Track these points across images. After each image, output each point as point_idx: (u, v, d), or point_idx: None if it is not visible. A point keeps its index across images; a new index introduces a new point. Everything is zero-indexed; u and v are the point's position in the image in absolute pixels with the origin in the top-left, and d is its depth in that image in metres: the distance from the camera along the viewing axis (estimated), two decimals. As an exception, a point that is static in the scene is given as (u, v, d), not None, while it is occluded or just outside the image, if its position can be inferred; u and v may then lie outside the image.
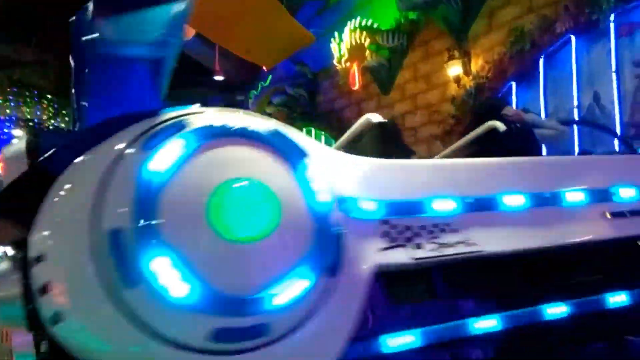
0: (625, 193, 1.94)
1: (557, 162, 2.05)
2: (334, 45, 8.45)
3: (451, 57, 6.90)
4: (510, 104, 6.40)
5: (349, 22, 8.18)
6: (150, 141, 1.26)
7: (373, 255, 1.50)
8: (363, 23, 8.07)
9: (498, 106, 3.47)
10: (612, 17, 5.39)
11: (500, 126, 3.22)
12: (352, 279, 1.43)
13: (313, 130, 10.22)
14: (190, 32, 13.07)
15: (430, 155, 7.17)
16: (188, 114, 1.36)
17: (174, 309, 1.16)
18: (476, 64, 6.76)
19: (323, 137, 9.93)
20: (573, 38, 5.73)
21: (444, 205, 1.66)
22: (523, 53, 6.06)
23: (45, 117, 13.74)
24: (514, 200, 1.76)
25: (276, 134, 1.40)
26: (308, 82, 10.37)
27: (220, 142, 1.32)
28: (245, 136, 1.36)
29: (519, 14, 6.27)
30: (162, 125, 1.30)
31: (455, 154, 2.88)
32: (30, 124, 14.83)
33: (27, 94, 12.78)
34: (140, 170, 1.22)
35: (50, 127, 14.78)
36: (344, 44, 8.22)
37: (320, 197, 1.39)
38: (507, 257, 1.71)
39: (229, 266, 1.24)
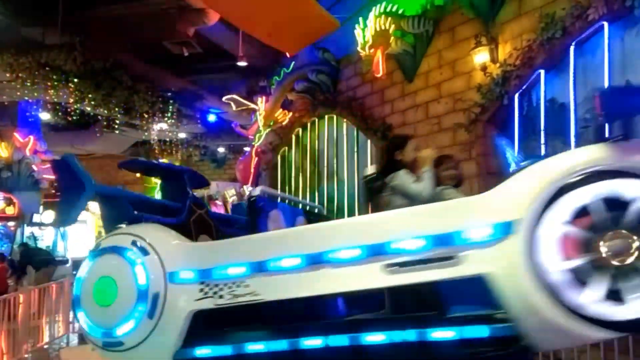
0: (402, 245, 2.43)
1: (330, 227, 2.91)
2: (357, 32, 8.34)
3: (478, 44, 6.75)
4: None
5: (373, 8, 8.05)
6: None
7: (191, 303, 2.83)
8: (388, 9, 7.93)
9: (398, 145, 3.45)
10: (648, 4, 5.18)
11: (370, 171, 4.19)
12: (172, 318, 2.83)
13: (335, 117, 10.17)
14: (214, 18, 13.06)
15: (453, 144, 7.10)
16: (102, 239, 3.23)
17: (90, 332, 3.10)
18: (504, 51, 6.60)
19: (345, 125, 9.88)
20: (606, 25, 5.53)
21: (239, 270, 2.76)
22: (553, 40, 5.88)
23: (71, 100, 13.94)
24: (290, 262, 2.65)
25: (131, 245, 2.99)
26: (331, 69, 10.29)
27: (104, 255, 3.09)
28: (113, 251, 3.05)
29: (550, 0, 6.08)
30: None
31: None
32: (57, 107, 15.10)
33: (54, 77, 12.96)
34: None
35: (77, 111, 15.01)
36: (368, 30, 8.10)
37: (146, 277, 2.91)
38: (285, 302, 2.67)
39: (101, 317, 2.98)
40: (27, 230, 14.45)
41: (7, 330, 6.03)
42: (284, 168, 11.97)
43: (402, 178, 3.20)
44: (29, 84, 12.90)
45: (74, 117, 15.31)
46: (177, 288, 2.83)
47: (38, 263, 10.17)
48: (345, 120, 9.87)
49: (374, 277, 2.43)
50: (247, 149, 14.74)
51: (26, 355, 6.33)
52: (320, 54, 10.31)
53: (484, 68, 6.74)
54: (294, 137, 11.58)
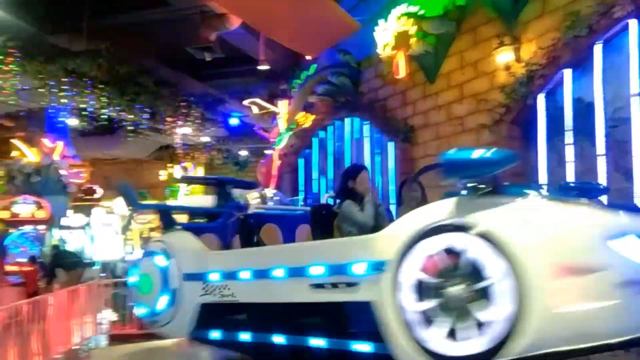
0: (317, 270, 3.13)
1: (280, 249, 3.76)
2: (378, 33, 8.32)
3: (501, 44, 6.66)
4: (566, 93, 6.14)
5: (393, 9, 8.02)
6: None
7: (197, 298, 3.84)
8: (409, 10, 7.89)
9: (351, 174, 3.68)
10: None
11: (326, 198, 4.71)
12: (186, 306, 3.91)
13: (357, 119, 10.16)
14: (235, 22, 13.17)
15: (476, 145, 7.02)
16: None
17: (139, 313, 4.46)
18: (528, 51, 6.50)
19: (366, 127, 9.86)
20: (634, 22, 5.41)
21: (223, 276, 3.68)
22: (578, 39, 5.78)
23: (98, 106, 14.24)
24: (247, 275, 3.55)
25: (161, 251, 4.08)
26: (352, 71, 10.28)
27: (146, 257, 4.29)
28: (150, 255, 4.19)
29: (574, -2, 5.97)
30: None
31: None
32: (84, 112, 15.43)
33: (81, 83, 13.26)
34: None
35: (103, 116, 15.32)
36: (389, 31, 8.07)
37: (168, 275, 3.99)
38: (260, 305, 3.55)
39: (144, 302, 4.21)
40: (57, 233, 14.79)
41: (38, 331, 6.19)
42: (305, 171, 12.00)
43: (348, 207, 3.51)
44: (56, 90, 13.21)
45: (101, 123, 15.63)
46: (189, 285, 3.88)
47: (68, 265, 10.41)
48: (366, 122, 9.85)
49: (302, 293, 3.17)
50: (268, 151, 14.81)
51: (57, 356, 6.48)
52: (341, 56, 10.31)
53: (507, 68, 6.66)
54: (315, 139, 11.61)
